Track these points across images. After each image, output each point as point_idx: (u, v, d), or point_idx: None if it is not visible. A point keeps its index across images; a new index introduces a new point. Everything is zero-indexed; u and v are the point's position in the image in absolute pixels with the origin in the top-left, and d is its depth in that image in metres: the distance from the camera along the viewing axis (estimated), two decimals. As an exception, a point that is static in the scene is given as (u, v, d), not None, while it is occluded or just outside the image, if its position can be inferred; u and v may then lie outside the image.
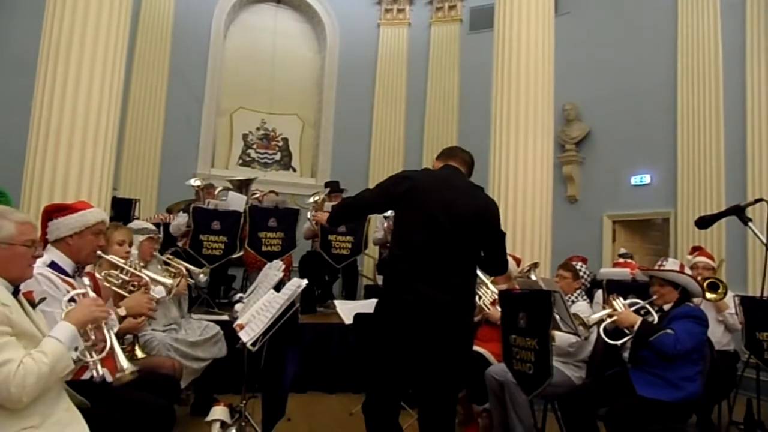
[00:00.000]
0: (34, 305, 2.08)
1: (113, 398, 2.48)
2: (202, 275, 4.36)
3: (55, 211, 2.75)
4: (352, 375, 5.13)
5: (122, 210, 6.00)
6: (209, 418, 2.71)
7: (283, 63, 10.38)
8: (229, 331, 4.22)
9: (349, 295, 6.44)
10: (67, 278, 2.60)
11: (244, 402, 2.97)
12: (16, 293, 2.00)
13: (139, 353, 2.85)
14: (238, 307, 3.72)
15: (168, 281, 2.78)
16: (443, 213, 2.62)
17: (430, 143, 10.01)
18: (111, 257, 3.04)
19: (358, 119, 10.24)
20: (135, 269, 3.04)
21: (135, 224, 4.16)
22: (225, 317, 4.87)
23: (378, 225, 6.62)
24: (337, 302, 3.38)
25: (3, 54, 7.84)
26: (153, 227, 4.27)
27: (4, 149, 6.66)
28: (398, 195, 2.70)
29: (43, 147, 4.49)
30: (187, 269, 4.17)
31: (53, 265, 2.60)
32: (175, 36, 9.27)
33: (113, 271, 3.07)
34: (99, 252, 2.85)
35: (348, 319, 3.18)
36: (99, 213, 2.86)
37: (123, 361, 2.14)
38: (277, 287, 3.24)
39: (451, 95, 10.25)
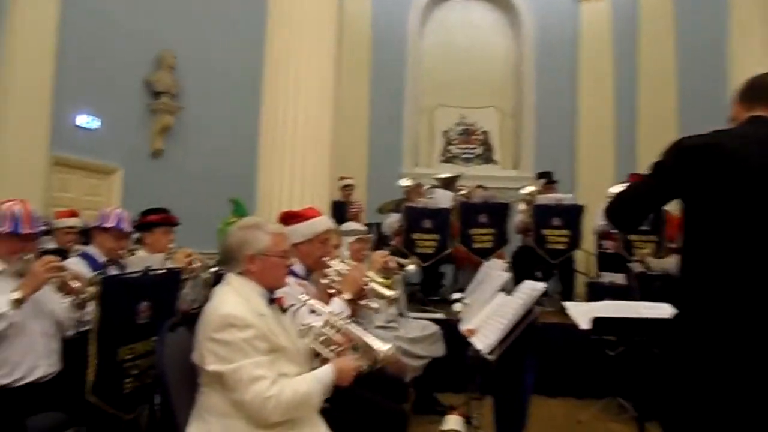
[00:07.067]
0: (284, 311, 2.14)
1: (348, 399, 2.51)
2: (412, 266, 4.35)
3: (289, 218, 2.88)
4: (576, 379, 4.79)
5: (338, 214, 6.30)
6: (443, 427, 2.62)
7: (478, 55, 10.27)
8: (445, 329, 4.19)
9: (566, 292, 6.04)
10: (301, 281, 2.70)
11: (476, 414, 2.84)
12: (271, 301, 2.07)
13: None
14: (457, 307, 3.61)
15: (388, 292, 2.73)
16: None
17: (645, 124, 9.07)
18: (337, 264, 3.04)
19: (560, 104, 9.70)
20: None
21: (345, 226, 4.26)
22: (441, 315, 4.83)
23: (599, 213, 6.11)
24: (568, 304, 3.08)
25: (229, 74, 8.77)
26: (363, 228, 4.34)
27: (237, 162, 7.46)
28: (690, 178, 1.81)
29: (270, 158, 4.88)
30: (399, 263, 4.18)
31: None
32: (375, 40, 9.62)
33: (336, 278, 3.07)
34: (324, 258, 2.90)
35: (583, 324, 2.86)
36: (326, 222, 2.94)
37: (377, 343, 2.12)
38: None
39: (667, 69, 9.14)
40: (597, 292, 4.80)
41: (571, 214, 5.78)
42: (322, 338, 2.15)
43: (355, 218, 5.96)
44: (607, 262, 5.90)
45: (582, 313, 3.06)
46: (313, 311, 2.30)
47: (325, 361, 2.10)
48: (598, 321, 2.74)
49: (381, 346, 2.10)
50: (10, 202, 2.58)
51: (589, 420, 4.26)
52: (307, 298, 2.25)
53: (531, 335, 2.39)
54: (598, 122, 9.43)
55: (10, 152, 6.04)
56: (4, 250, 2.54)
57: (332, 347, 2.14)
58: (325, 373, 2.00)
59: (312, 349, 2.16)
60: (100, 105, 7.68)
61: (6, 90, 6.12)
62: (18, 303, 2.37)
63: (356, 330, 2.18)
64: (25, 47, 6.21)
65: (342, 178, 7.10)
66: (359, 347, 2.15)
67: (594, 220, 6.25)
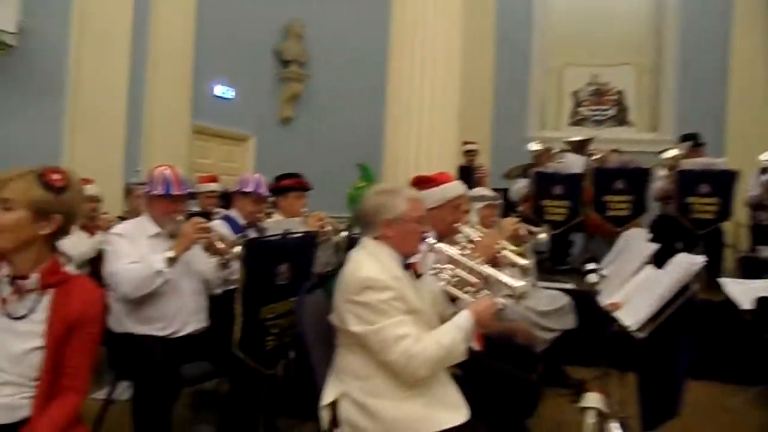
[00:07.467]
0: (418, 276, 2.11)
1: (480, 368, 2.45)
2: (543, 234, 4.16)
3: (422, 183, 2.81)
4: (722, 362, 4.40)
5: (465, 179, 6.18)
6: (582, 404, 2.48)
7: (612, 9, 9.51)
8: (576, 300, 3.98)
9: (712, 267, 5.52)
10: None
11: (617, 393, 2.66)
12: (406, 267, 2.05)
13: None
14: (592, 278, 3.39)
15: (522, 261, 2.59)
16: None
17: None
18: (467, 230, 2.94)
19: (708, 60, 8.75)
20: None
21: (474, 191, 4.13)
22: (571, 286, 4.61)
23: (752, 182, 5.51)
24: (726, 281, 2.78)
25: (357, 41, 8.81)
26: (493, 194, 4.20)
27: (364, 128, 7.54)
28: None
29: (397, 124, 4.89)
30: (529, 231, 4.00)
31: None
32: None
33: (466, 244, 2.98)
34: (456, 225, 2.81)
35: (745, 304, 2.55)
36: (459, 187, 2.87)
37: (511, 280, 2.05)
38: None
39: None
40: (752, 268, 4.34)
41: (722, 181, 5.20)
42: (456, 279, 2.11)
43: (480, 183, 5.81)
44: (762, 234, 5.32)
45: (743, 292, 2.76)
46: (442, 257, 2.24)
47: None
48: (764, 301, 2.45)
49: (515, 282, 2.03)
50: (161, 167, 2.77)
51: (736, 407, 3.89)
52: (434, 241, 2.20)
53: (687, 313, 2.18)
54: (753, 79, 8.39)
55: (157, 121, 6.57)
56: (158, 212, 2.74)
57: (466, 288, 2.10)
58: (464, 318, 1.95)
59: (446, 292, 2.13)
60: (234, 76, 8.08)
61: (154, 65, 6.63)
62: (172, 261, 2.55)
63: (488, 269, 2.12)
64: (168, 25, 6.68)
65: (465, 143, 6.93)
66: (493, 286, 2.09)
67: (747, 188, 5.64)
